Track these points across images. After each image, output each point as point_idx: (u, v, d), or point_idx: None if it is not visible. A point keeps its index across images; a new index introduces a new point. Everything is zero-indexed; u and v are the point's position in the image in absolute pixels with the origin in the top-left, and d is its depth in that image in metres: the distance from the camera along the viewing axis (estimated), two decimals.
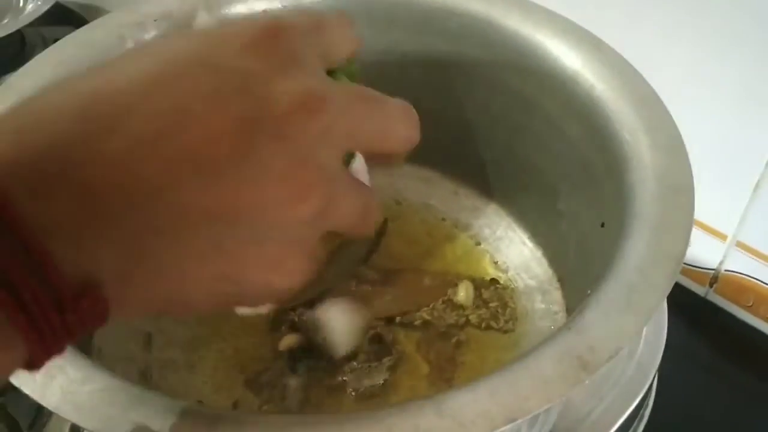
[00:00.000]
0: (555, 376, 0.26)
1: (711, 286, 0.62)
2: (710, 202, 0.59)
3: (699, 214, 0.58)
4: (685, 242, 0.30)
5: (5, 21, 0.70)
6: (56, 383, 0.27)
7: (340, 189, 0.23)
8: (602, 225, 0.39)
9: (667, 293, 0.29)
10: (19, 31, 0.69)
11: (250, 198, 0.21)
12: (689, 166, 0.34)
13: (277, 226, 0.22)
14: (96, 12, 0.81)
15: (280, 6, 0.45)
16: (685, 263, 0.62)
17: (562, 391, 0.26)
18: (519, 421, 0.25)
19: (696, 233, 0.61)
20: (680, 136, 0.35)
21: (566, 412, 0.44)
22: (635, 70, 0.39)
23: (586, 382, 0.26)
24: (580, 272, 0.42)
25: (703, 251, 0.61)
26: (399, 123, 0.26)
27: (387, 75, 0.48)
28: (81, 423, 0.25)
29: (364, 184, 0.27)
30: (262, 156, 0.21)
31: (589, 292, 0.39)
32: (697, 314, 0.63)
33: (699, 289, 0.63)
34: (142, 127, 0.20)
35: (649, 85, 0.38)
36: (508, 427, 0.30)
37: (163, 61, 0.21)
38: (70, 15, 0.80)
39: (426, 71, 0.47)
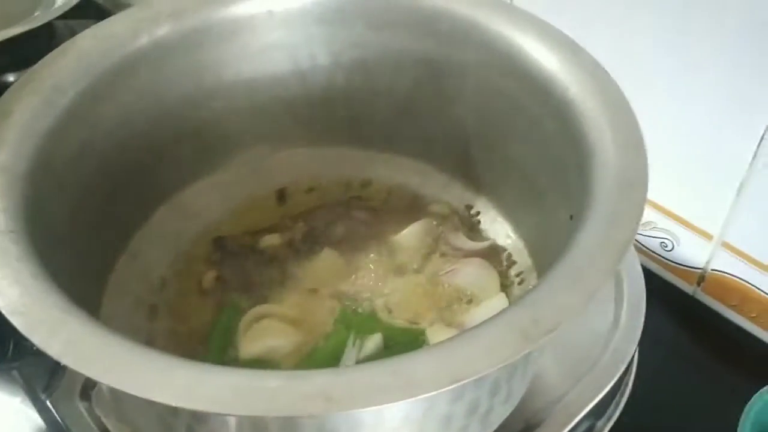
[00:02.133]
0: (499, 343, 0.29)
1: (699, 284, 0.64)
2: (696, 202, 0.61)
3: (686, 213, 0.61)
4: (632, 231, 0.33)
5: (36, 14, 0.74)
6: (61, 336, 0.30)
7: None
8: (571, 217, 0.42)
9: (611, 276, 0.32)
10: (49, 23, 0.73)
11: None
12: (646, 163, 0.36)
13: None
14: (121, 7, 0.85)
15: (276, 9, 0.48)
16: (673, 261, 0.65)
17: (504, 357, 0.29)
18: (463, 382, 0.28)
19: (684, 232, 0.63)
20: (641, 136, 0.38)
21: (540, 393, 0.47)
22: (607, 74, 0.41)
23: (527, 351, 0.29)
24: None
25: (691, 250, 0.63)
26: None
27: (382, 73, 0.52)
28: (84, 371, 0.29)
29: None
30: None
31: None
32: (685, 312, 0.65)
33: (687, 288, 0.65)
34: None
35: (618, 88, 0.41)
36: (467, 393, 0.33)
37: None
38: (98, 8, 0.84)
39: (419, 70, 0.50)
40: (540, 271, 0.48)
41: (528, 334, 0.29)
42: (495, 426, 0.40)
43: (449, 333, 0.45)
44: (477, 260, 0.49)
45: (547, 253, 0.47)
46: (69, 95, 0.43)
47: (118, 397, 0.40)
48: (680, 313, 0.65)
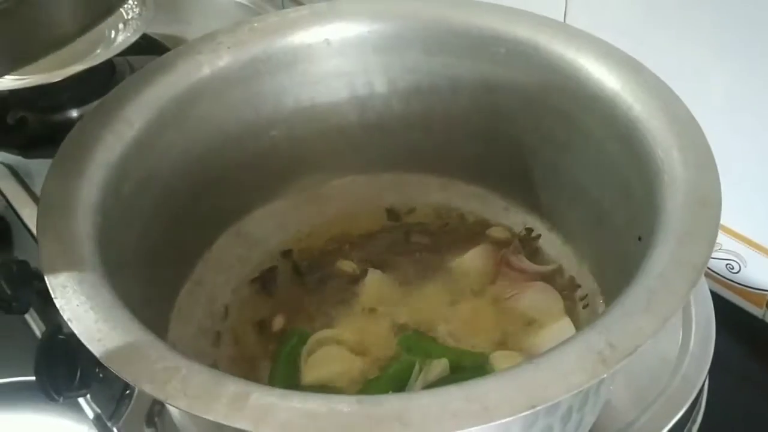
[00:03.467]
0: (575, 368, 0.29)
1: None
2: (763, 221, 0.59)
3: (753, 233, 0.60)
4: (708, 252, 0.32)
5: (97, 51, 0.76)
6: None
7: None
8: (639, 239, 0.41)
9: (687, 299, 0.31)
10: (109, 60, 0.76)
11: None
12: (718, 181, 0.35)
13: None
14: (178, 42, 0.88)
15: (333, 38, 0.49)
16: (741, 284, 0.63)
17: (581, 382, 0.28)
18: (539, 408, 0.27)
19: (750, 253, 0.61)
20: (711, 153, 0.37)
21: (609, 419, 0.46)
22: (671, 91, 0.41)
23: (604, 375, 0.28)
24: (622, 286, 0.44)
25: (759, 272, 0.61)
26: None
27: (440, 97, 0.52)
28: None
29: None
30: None
31: None
32: (754, 336, 0.63)
33: (756, 311, 0.63)
34: None
35: (684, 105, 0.40)
36: (540, 419, 0.33)
37: None
38: (156, 45, 0.87)
39: (476, 93, 0.50)
40: (607, 295, 0.47)
41: (605, 358, 0.29)
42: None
43: (514, 358, 0.44)
44: (540, 284, 0.49)
45: (614, 275, 0.46)
46: (135, 126, 0.44)
47: (186, 423, 0.41)
48: (749, 337, 0.62)
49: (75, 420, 0.53)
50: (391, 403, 0.28)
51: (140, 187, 0.44)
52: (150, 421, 0.49)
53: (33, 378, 0.47)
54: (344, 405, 0.28)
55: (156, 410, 0.49)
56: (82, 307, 0.33)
